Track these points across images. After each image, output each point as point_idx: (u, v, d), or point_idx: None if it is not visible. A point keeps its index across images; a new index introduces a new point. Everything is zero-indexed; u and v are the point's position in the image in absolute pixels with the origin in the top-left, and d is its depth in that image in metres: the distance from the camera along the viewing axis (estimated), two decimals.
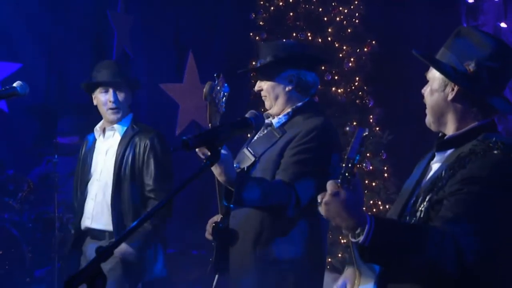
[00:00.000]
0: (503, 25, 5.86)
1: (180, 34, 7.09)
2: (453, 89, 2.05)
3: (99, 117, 3.87)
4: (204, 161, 1.99)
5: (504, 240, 1.91)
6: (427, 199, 1.98)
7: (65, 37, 6.45)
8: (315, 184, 2.76)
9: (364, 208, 1.89)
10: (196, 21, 7.09)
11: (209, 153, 2.02)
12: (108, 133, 3.79)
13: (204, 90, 2.56)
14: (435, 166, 2.11)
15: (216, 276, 2.86)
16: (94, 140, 3.87)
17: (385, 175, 6.09)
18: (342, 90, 6.11)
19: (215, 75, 2.57)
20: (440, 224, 1.88)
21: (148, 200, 3.66)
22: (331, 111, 6.05)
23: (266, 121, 3.01)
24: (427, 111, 2.14)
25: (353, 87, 6.15)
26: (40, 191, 5.71)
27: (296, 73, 2.94)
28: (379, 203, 6.02)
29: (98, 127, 3.84)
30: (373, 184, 6.06)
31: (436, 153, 2.14)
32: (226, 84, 2.53)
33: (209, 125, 2.61)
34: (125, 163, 3.66)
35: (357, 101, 6.16)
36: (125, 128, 3.76)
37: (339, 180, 1.82)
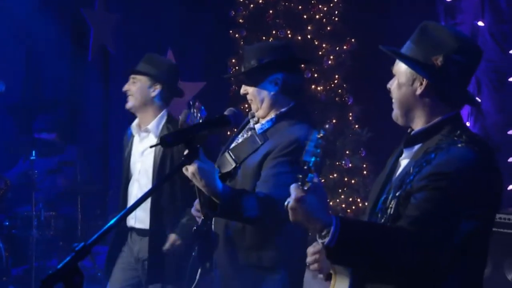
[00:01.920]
0: (480, 23, 5.92)
1: (159, 31, 7.05)
2: (421, 84, 2.06)
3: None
4: (182, 158, 1.98)
5: (471, 232, 1.94)
6: (396, 196, 2.00)
7: (43, 35, 6.39)
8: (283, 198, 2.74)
9: (329, 208, 1.90)
10: (176, 19, 7.06)
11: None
12: (142, 134, 3.76)
13: (180, 119, 2.50)
14: (403, 162, 2.13)
15: (199, 271, 2.86)
16: (132, 136, 3.83)
17: (364, 172, 6.13)
18: (321, 87, 6.13)
19: (190, 102, 2.53)
20: (407, 224, 1.89)
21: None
22: (311, 109, 6.07)
23: (253, 121, 2.98)
24: (394, 105, 2.14)
25: (332, 85, 6.18)
26: (17, 189, 5.65)
27: (281, 76, 2.89)
28: (358, 200, 6.06)
29: (134, 124, 3.79)
30: (353, 181, 6.09)
31: (404, 149, 2.15)
32: (203, 108, 2.49)
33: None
34: (165, 166, 3.61)
35: (337, 98, 6.19)
36: (159, 129, 3.72)
37: (299, 183, 1.82)
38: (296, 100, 2.94)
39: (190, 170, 2.46)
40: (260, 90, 2.89)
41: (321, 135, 1.82)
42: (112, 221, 1.76)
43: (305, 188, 1.81)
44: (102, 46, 6.74)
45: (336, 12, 6.29)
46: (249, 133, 2.95)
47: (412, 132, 2.12)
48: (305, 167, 1.81)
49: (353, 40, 6.24)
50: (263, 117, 2.93)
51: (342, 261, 1.95)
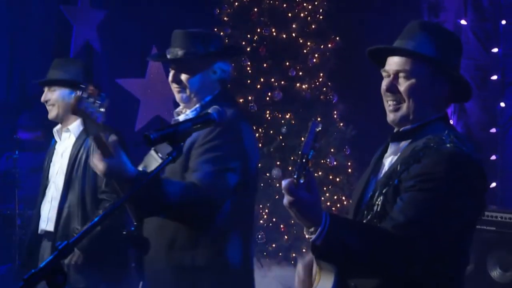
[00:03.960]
0: (463, 22, 5.96)
1: (144, 28, 7.02)
2: (440, 85, 2.09)
3: None
4: (166, 156, 1.98)
5: (456, 234, 1.96)
6: (383, 193, 2.01)
7: (26, 31, 6.35)
8: (229, 181, 2.60)
9: (321, 205, 1.90)
10: (160, 16, 7.03)
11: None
12: (64, 134, 3.72)
13: (72, 104, 2.30)
14: (389, 159, 2.14)
15: (141, 283, 2.76)
16: (55, 142, 3.80)
17: (349, 170, 6.14)
18: (306, 86, 6.13)
19: (81, 86, 2.34)
20: (391, 227, 1.91)
21: (100, 202, 3.57)
22: (295, 107, 6.08)
23: (174, 118, 2.87)
24: (407, 108, 2.09)
25: (317, 83, 6.19)
26: (0, 188, 5.61)
27: (220, 65, 2.83)
28: (343, 198, 6.08)
29: (56, 129, 3.76)
30: (337, 179, 6.11)
31: (390, 144, 2.15)
32: (103, 94, 2.33)
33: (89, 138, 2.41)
34: (77, 165, 3.57)
35: (321, 96, 6.20)
36: (80, 129, 3.68)
37: (295, 176, 1.82)
38: (221, 88, 2.86)
39: (99, 169, 2.35)
40: (201, 78, 2.80)
41: (320, 128, 1.83)
42: (95, 220, 1.75)
43: (301, 181, 1.81)
44: (86, 43, 6.70)
45: (321, 10, 6.29)
46: None
47: (402, 129, 2.12)
48: (304, 160, 1.81)
49: (337, 38, 6.25)
50: (190, 108, 2.82)
51: (326, 258, 1.98)
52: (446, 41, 2.09)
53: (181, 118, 2.80)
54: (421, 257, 1.88)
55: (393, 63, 2.11)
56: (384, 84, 2.12)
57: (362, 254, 1.88)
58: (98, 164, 2.35)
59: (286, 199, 1.84)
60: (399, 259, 1.87)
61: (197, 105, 2.80)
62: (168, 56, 2.84)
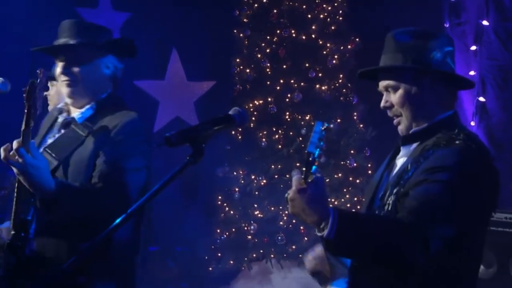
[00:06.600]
0: (485, 22, 5.90)
1: (164, 31, 7.06)
2: (423, 85, 2.11)
3: None
4: (187, 158, 1.98)
5: (468, 225, 1.95)
6: (394, 193, 2.01)
7: (47, 37, 6.39)
8: (141, 180, 2.57)
9: (328, 202, 1.90)
10: (180, 18, 7.06)
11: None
12: None
13: (27, 91, 2.29)
14: (401, 160, 2.16)
15: None
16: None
17: (369, 171, 6.12)
18: (326, 87, 6.13)
19: (37, 71, 2.34)
20: (406, 215, 1.90)
21: None
22: (315, 108, 6.06)
23: (63, 117, 2.72)
24: (406, 116, 2.14)
25: (337, 84, 6.18)
26: None
27: (115, 61, 2.73)
28: (363, 200, 6.05)
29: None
30: (357, 181, 6.08)
31: (401, 147, 2.17)
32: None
33: (24, 129, 2.35)
34: None
35: (341, 98, 6.19)
36: None
37: (302, 176, 1.82)
38: (112, 89, 2.76)
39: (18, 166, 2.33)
40: (94, 70, 2.68)
41: (325, 127, 1.83)
42: (117, 221, 1.76)
43: (309, 180, 1.81)
44: None
45: (340, 11, 6.29)
46: (66, 129, 2.69)
47: (411, 131, 2.14)
48: (310, 159, 1.81)
49: (357, 39, 6.23)
50: (80, 107, 2.69)
51: (341, 252, 1.97)
52: (424, 41, 2.12)
53: (76, 115, 2.68)
54: (437, 244, 1.87)
55: (381, 80, 2.20)
56: (382, 102, 2.21)
57: (377, 243, 1.86)
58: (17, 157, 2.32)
59: (293, 193, 1.83)
60: (414, 243, 1.85)
61: (92, 103, 2.68)
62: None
